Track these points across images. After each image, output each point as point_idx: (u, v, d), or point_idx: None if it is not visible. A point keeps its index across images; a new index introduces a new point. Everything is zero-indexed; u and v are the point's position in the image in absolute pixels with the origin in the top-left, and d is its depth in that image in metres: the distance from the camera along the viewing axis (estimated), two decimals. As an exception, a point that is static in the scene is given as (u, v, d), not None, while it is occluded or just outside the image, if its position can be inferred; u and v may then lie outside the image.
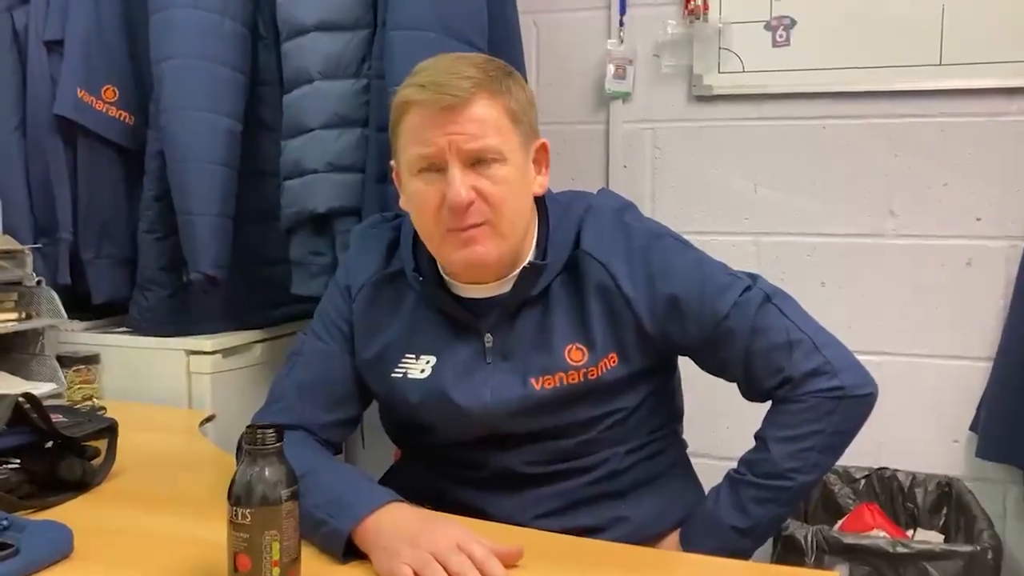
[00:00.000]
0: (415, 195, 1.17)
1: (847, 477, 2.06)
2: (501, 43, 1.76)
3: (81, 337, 1.95)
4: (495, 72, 1.17)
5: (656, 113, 2.21)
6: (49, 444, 1.28)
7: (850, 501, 2.04)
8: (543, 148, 1.25)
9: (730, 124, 2.16)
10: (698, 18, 2.10)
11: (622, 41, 2.18)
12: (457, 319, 1.24)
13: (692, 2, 2.09)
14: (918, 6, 2.00)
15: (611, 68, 2.18)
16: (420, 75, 1.16)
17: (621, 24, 2.18)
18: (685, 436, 1.42)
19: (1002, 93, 1.97)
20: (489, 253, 1.16)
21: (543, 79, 2.27)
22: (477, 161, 1.14)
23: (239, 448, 1.17)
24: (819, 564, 1.71)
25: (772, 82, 2.11)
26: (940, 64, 1.99)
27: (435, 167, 1.14)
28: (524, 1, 1.99)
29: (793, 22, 2.08)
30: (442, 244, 1.17)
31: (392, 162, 1.26)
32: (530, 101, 1.21)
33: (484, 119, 1.13)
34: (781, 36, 2.09)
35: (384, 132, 1.69)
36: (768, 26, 2.10)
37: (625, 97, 2.21)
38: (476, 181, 1.13)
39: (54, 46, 1.92)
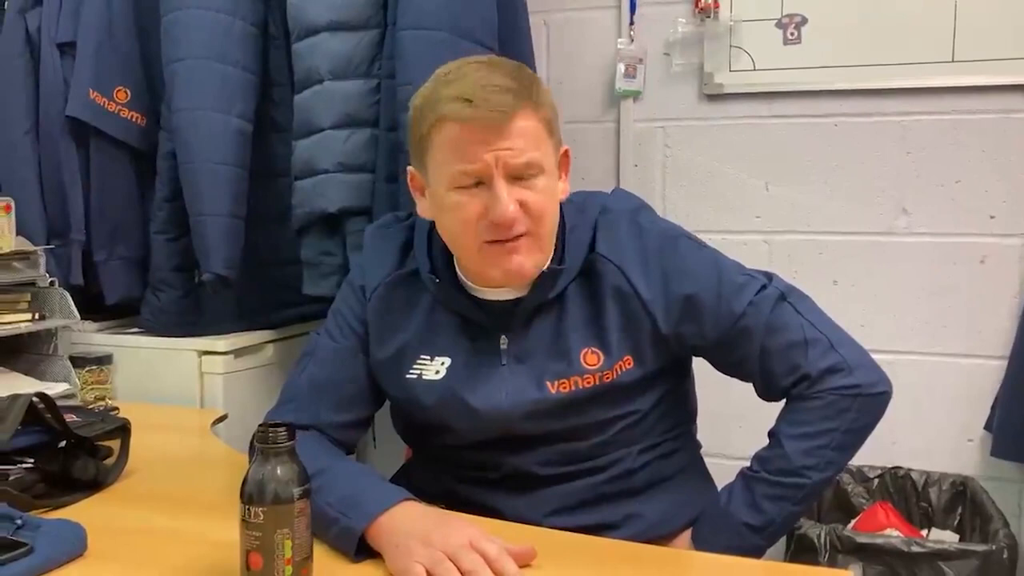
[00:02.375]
0: (453, 207, 1.14)
1: (861, 476, 2.05)
2: (511, 42, 1.76)
3: (94, 337, 1.96)
4: (528, 82, 1.14)
5: (667, 112, 2.20)
6: (62, 444, 1.29)
7: (864, 500, 2.03)
8: (565, 155, 1.23)
9: (741, 122, 2.15)
10: (709, 16, 2.09)
11: (632, 40, 2.18)
12: (472, 321, 1.23)
13: (702, 0, 2.08)
14: (930, 3, 1.99)
15: (621, 67, 2.18)
16: (453, 86, 1.12)
17: (631, 23, 2.18)
18: (698, 436, 1.42)
19: (1015, 90, 1.96)
20: (528, 265, 1.15)
21: (553, 78, 2.27)
22: (520, 175, 1.12)
23: (251, 447, 1.17)
24: (832, 563, 1.70)
25: (783, 80, 2.10)
26: (952, 61, 1.98)
27: (477, 182, 1.13)
28: (534, 0, 1.99)
29: (804, 19, 2.07)
30: (479, 256, 1.16)
31: (410, 168, 1.23)
32: (556, 108, 1.20)
33: (527, 134, 1.12)
34: (792, 34, 2.08)
35: (394, 132, 1.71)
36: (779, 24, 2.09)
37: (636, 96, 2.21)
38: (519, 194, 1.12)
39: (66, 48, 1.93)
